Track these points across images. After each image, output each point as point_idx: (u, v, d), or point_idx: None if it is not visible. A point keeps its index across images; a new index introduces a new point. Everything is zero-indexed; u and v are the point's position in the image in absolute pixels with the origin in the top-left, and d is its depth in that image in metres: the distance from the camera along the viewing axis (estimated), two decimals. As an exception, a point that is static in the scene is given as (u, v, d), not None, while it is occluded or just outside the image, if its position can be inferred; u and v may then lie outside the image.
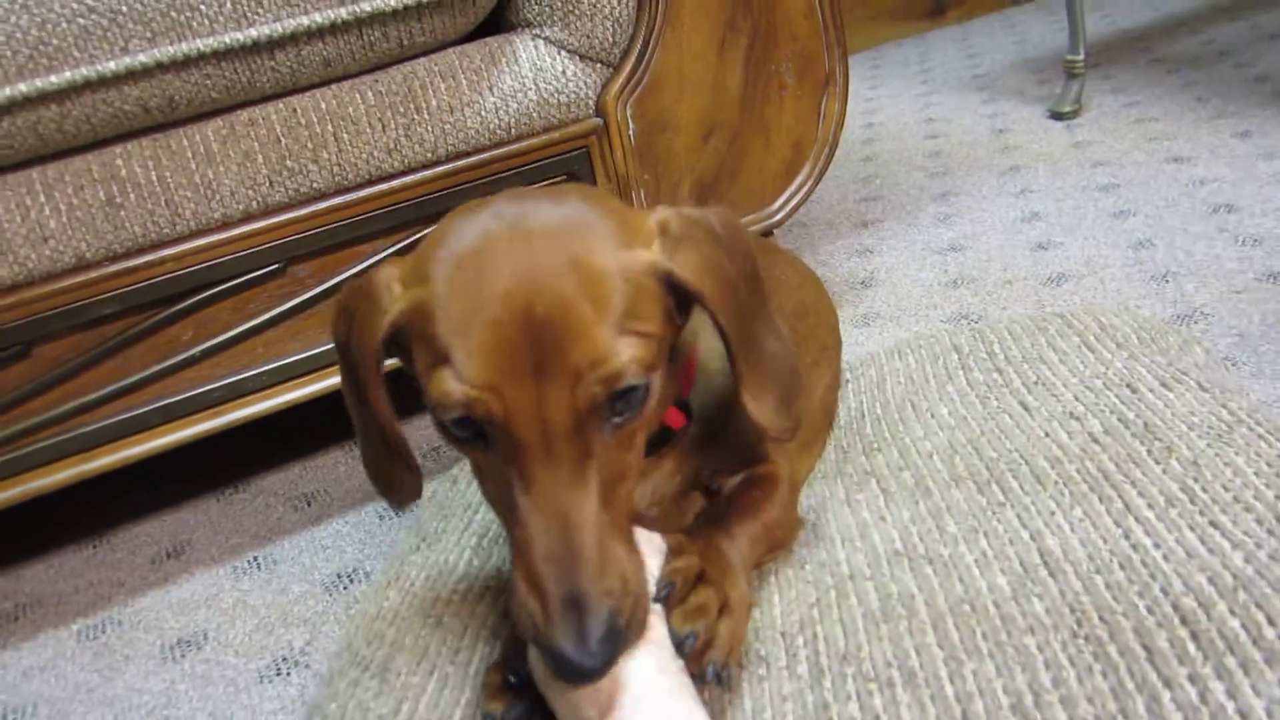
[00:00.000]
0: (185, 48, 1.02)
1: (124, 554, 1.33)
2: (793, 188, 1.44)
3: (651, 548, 0.64)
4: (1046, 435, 0.80)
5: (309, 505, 1.33)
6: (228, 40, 1.03)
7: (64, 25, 0.97)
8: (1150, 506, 0.69)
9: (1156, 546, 0.65)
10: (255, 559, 1.26)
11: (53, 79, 0.98)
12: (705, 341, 0.77)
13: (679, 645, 0.59)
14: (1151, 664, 0.58)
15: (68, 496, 1.30)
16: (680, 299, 0.64)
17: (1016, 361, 0.93)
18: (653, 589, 0.61)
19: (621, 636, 0.54)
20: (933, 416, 0.89)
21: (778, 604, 0.71)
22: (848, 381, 1.03)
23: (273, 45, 1.06)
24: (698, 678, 0.60)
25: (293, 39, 1.07)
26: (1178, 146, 1.92)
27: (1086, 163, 1.95)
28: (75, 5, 0.97)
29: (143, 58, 1.00)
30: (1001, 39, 3.10)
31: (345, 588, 1.17)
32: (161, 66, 1.02)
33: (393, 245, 1.20)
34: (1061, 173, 1.93)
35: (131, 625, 1.19)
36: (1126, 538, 0.67)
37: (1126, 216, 1.69)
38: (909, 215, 1.88)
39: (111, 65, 0.99)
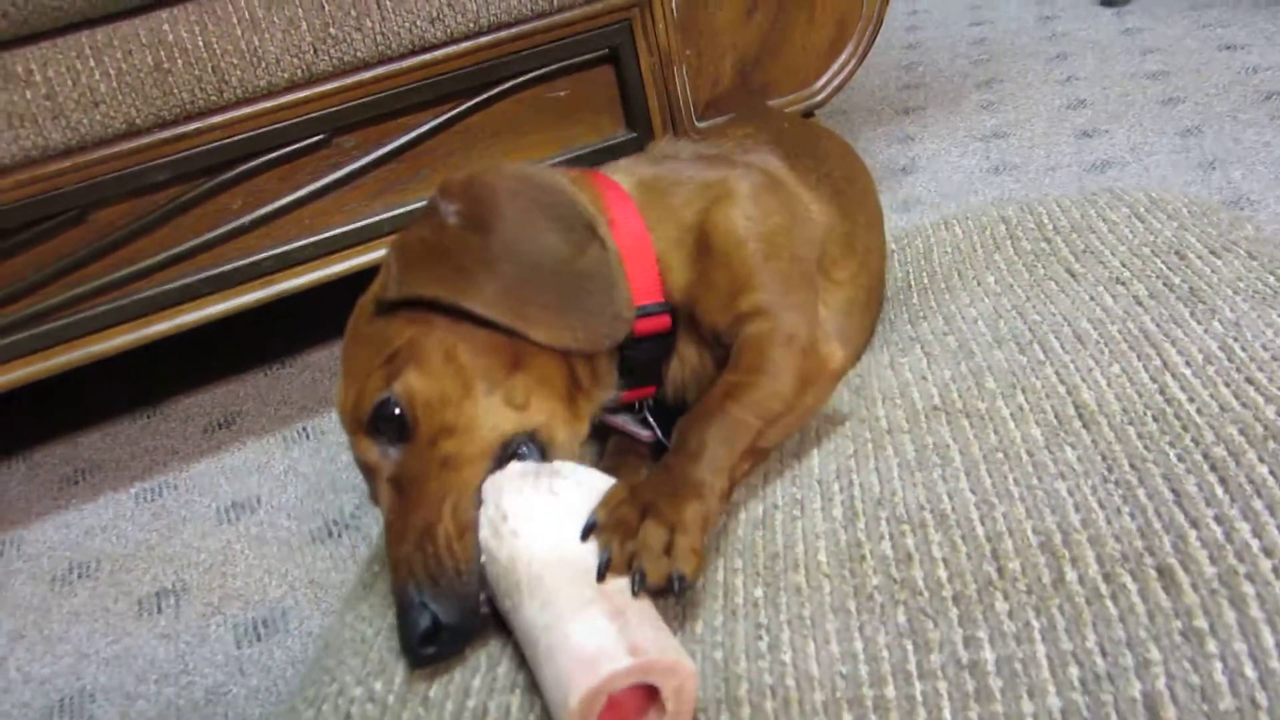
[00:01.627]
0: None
1: (177, 423, 1.37)
2: (836, 66, 1.42)
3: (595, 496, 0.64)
4: (1091, 299, 0.81)
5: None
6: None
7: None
8: (1188, 364, 0.70)
9: (1191, 400, 0.67)
10: (304, 429, 1.30)
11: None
12: (656, 230, 0.77)
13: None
14: (1179, 506, 0.59)
15: (120, 369, 1.34)
16: None
17: (1065, 231, 0.93)
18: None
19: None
20: (979, 284, 0.90)
21: (815, 455, 0.73)
22: (894, 253, 1.04)
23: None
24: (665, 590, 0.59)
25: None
26: (1231, 34, 1.87)
27: (1136, 50, 1.90)
28: None
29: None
30: (1053, -74, 3.00)
31: (392, 452, 1.21)
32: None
33: (435, 118, 1.20)
34: (1109, 60, 1.89)
35: (187, 489, 1.24)
36: (1162, 392, 0.68)
37: (1175, 104, 1.66)
38: (951, 103, 1.85)
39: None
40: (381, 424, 0.65)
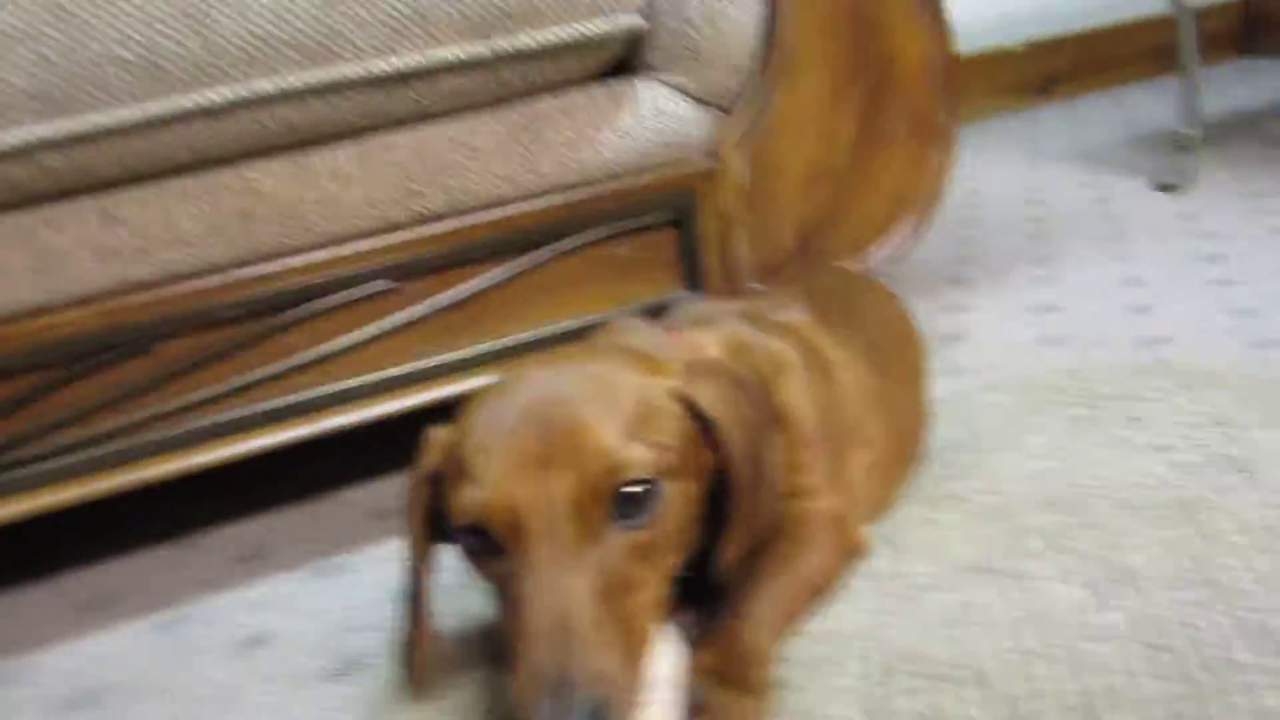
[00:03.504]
0: (334, 73, 1.10)
1: (203, 553, 1.36)
2: (893, 238, 1.46)
3: (665, 640, 0.68)
4: (1137, 466, 0.80)
5: (384, 519, 1.37)
6: (373, 69, 1.11)
7: (229, 49, 1.05)
8: (1241, 531, 0.69)
9: (1248, 570, 0.65)
10: (334, 564, 1.29)
11: (212, 96, 1.07)
12: None
13: None
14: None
15: (149, 496, 1.33)
16: (707, 434, 0.70)
17: (1113, 398, 0.94)
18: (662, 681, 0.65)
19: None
20: (1021, 447, 0.90)
21: (844, 610, 0.73)
22: (937, 414, 1.04)
23: (412, 75, 1.13)
24: None
25: (431, 71, 1.14)
26: (1289, 220, 1.89)
27: (1192, 233, 1.92)
28: (239, 30, 1.05)
29: (294, 81, 1.08)
30: (1110, 115, 3.09)
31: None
32: (311, 90, 1.10)
33: (499, 269, 1.25)
34: (1164, 240, 1.91)
35: (206, 621, 1.21)
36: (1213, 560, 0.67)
37: (1231, 285, 1.66)
38: (1004, 276, 1.88)
39: (266, 86, 1.08)
40: (631, 491, 0.64)
